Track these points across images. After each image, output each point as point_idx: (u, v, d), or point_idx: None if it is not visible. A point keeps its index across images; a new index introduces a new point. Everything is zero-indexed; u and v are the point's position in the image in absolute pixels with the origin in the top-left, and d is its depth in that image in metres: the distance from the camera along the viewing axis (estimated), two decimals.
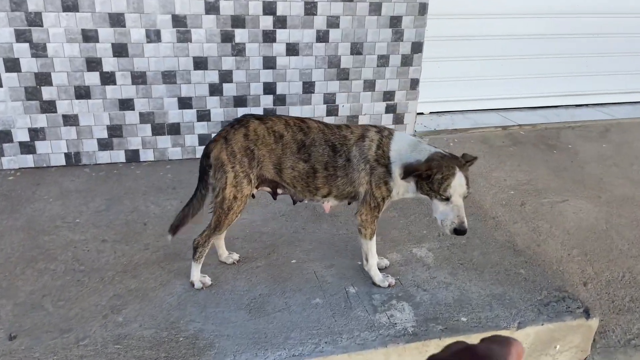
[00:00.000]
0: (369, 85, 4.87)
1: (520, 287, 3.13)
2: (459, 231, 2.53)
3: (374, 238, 2.95)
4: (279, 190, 2.94)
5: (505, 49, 5.71)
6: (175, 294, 2.89)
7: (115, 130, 4.39)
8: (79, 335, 2.57)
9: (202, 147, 4.75)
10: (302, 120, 2.85)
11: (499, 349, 0.64)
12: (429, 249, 3.47)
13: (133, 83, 4.29)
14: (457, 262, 3.35)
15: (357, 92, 4.86)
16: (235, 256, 3.18)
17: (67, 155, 4.36)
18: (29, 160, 4.29)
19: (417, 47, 4.86)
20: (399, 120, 5.09)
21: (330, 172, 2.79)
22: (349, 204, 3.01)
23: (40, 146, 4.28)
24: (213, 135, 4.79)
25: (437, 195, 2.53)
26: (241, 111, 4.62)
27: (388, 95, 4.97)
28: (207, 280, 2.94)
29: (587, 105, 6.33)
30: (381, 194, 2.80)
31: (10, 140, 4.19)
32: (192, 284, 2.92)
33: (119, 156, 4.48)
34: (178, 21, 4.20)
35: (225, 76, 4.47)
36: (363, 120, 4.98)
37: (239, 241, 3.42)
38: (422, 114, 5.69)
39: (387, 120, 5.06)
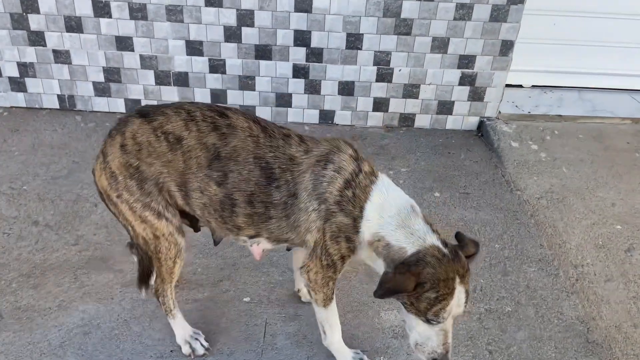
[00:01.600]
0: (440, 45, 3.56)
1: None
2: None
3: (332, 305, 1.94)
4: (201, 223, 2.00)
5: None
6: (66, 327, 2.14)
7: (112, 74, 3.64)
8: None
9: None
10: (220, 112, 1.79)
11: None
12: None
13: (131, 17, 3.45)
14: (485, 345, 2.20)
15: (421, 54, 3.58)
16: None
17: (61, 98, 3.73)
18: (20, 99, 3.73)
19: None
20: (477, 96, 3.75)
21: (258, 210, 1.78)
22: (288, 249, 2.01)
23: (31, 84, 3.68)
24: (228, 91, 3.92)
25: (422, 316, 1.65)
26: (264, 65, 3.61)
27: (465, 61, 3.62)
28: (200, 347, 2.06)
29: None
30: (339, 252, 1.77)
31: None
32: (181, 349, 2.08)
33: (118, 105, 3.76)
34: None
35: (245, 18, 3.45)
36: (426, 92, 3.72)
37: (194, 252, 2.55)
38: (520, 86, 4.23)
39: (460, 95, 3.74)
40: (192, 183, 1.78)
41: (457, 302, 1.62)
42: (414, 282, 1.57)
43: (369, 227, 1.71)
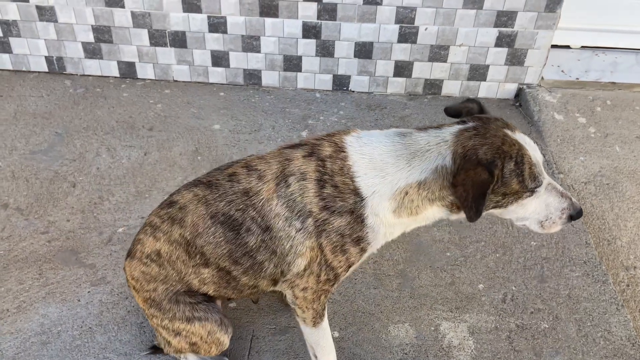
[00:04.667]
0: (474, 0, 3.03)
1: None
2: (577, 216, 1.49)
3: (324, 323, 1.62)
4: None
5: None
6: (23, 335, 1.86)
7: (102, 34, 3.26)
8: None
9: (217, 69, 3.50)
10: (169, 202, 1.62)
11: None
12: (473, 328, 1.95)
13: None
14: None
15: (451, 9, 3.07)
16: None
17: (49, 60, 3.39)
18: (5, 61, 3.41)
19: None
20: (516, 59, 3.23)
21: (247, 264, 1.52)
22: None
23: (16, 44, 3.34)
24: (231, 53, 3.49)
25: (525, 192, 1.41)
26: (270, 23, 3.16)
27: (504, 19, 3.09)
28: None
29: None
30: (346, 262, 1.48)
31: None
32: None
33: (111, 68, 3.40)
34: None
35: None
36: (456, 55, 3.22)
37: None
38: (567, 47, 3.67)
39: (495, 58, 3.23)
40: (192, 282, 1.61)
41: (531, 149, 1.42)
42: (484, 169, 1.33)
43: (381, 199, 1.43)
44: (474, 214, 1.35)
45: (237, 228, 1.48)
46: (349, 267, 1.50)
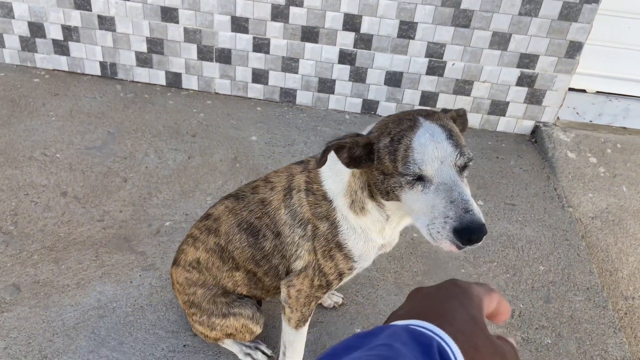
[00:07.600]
0: (500, 41, 3.30)
1: None
2: (464, 231, 1.17)
3: (305, 328, 1.78)
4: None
5: None
6: (82, 308, 2.08)
7: (155, 45, 3.55)
8: None
9: (256, 85, 3.79)
10: (206, 215, 1.84)
11: (481, 289, 0.68)
12: None
13: None
14: None
15: (478, 48, 3.33)
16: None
17: (103, 65, 3.68)
18: (62, 63, 3.70)
19: None
20: (534, 98, 3.48)
21: (265, 267, 1.73)
22: None
23: (75, 48, 3.64)
24: (270, 72, 3.77)
25: (397, 177, 1.29)
26: (309, 47, 3.44)
27: (527, 60, 3.35)
28: (262, 357, 1.97)
29: None
30: (335, 269, 1.60)
31: (43, 36, 3.60)
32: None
33: (159, 77, 3.68)
34: None
35: None
36: (479, 90, 3.47)
37: None
38: (583, 91, 3.92)
39: (516, 96, 3.48)
40: (227, 285, 1.81)
41: (429, 137, 1.23)
42: (365, 139, 1.32)
43: (340, 198, 1.52)
44: (319, 157, 1.35)
45: (256, 234, 1.67)
46: (340, 275, 1.61)
